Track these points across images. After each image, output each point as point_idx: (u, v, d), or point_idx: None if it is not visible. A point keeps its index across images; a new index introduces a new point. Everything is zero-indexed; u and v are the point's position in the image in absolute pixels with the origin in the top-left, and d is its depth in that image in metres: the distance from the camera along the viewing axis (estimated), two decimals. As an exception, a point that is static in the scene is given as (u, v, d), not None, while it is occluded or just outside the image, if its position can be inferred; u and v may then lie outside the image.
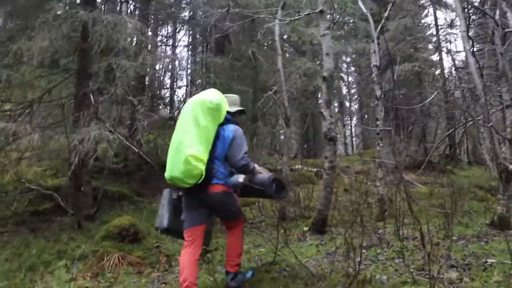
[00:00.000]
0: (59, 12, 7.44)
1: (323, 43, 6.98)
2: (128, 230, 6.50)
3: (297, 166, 12.83)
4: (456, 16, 20.90)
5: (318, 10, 6.98)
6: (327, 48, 6.92)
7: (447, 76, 19.91)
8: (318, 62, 12.99)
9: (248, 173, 3.63)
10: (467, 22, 6.51)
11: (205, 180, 3.34)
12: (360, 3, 9.60)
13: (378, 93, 9.11)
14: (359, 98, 29.61)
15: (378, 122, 9.08)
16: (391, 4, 8.96)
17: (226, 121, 3.61)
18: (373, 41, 9.20)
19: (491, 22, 6.83)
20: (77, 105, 8.16)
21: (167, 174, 3.41)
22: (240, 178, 3.50)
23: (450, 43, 20.69)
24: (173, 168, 3.33)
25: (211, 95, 3.51)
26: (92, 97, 7.67)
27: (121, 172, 10.55)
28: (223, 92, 3.84)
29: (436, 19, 21.66)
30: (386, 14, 9.33)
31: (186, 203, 3.63)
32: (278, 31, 8.72)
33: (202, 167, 3.29)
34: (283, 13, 8.81)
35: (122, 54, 7.45)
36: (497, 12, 6.61)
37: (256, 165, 3.86)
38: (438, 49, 21.24)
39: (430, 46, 21.13)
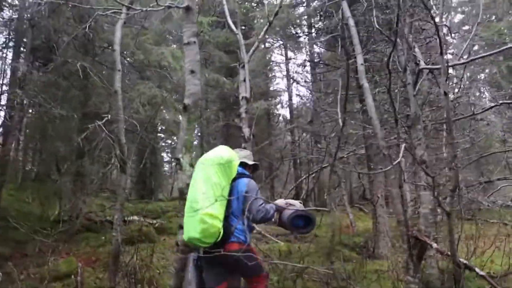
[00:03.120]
0: None
1: (186, 56, 4.72)
2: None
3: (132, 217, 10.05)
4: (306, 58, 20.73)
5: (183, 6, 4.73)
6: (192, 63, 4.67)
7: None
8: (166, 90, 10.59)
9: (268, 220, 3.46)
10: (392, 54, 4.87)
11: (222, 238, 3.27)
12: (230, 22, 7.62)
13: (246, 133, 7.13)
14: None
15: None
16: (267, 25, 7.16)
17: (239, 175, 3.55)
18: (243, 66, 7.26)
19: (401, 55, 5.35)
20: None
21: (184, 236, 3.42)
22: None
23: (297, 83, 20.16)
24: (190, 228, 3.32)
25: (222, 152, 3.55)
26: None
27: None
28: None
29: (287, 57, 21.20)
30: (261, 36, 7.49)
31: (205, 264, 3.50)
32: (119, 35, 6.23)
33: (218, 224, 3.23)
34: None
35: None
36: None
37: (279, 201, 3.74)
38: (288, 89, 20.80)
39: (281, 85, 20.61)
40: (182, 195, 4.60)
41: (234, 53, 16.22)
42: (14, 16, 11.54)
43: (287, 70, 20.92)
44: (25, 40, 10.73)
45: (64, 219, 9.10)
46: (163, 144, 25.86)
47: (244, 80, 7.28)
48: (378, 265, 9.27)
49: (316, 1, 10.37)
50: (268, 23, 7.32)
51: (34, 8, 8.60)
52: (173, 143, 26.54)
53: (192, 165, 4.68)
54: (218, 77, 14.39)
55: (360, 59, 6.15)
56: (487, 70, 19.34)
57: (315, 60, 13.85)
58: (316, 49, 20.00)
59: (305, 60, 18.09)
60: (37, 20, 9.45)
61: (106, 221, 9.81)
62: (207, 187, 3.30)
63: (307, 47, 19.18)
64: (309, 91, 19.16)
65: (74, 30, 9.30)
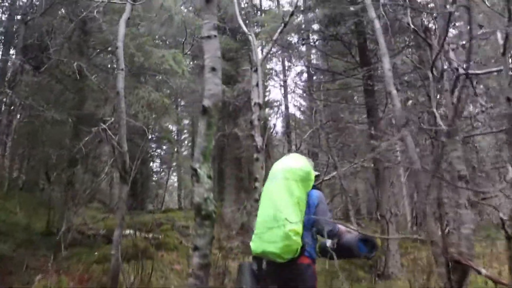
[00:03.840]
0: None
1: (206, 51, 4.14)
2: None
3: (126, 231, 9.34)
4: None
5: (203, -4, 4.17)
6: (212, 59, 4.10)
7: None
8: (166, 95, 9.97)
9: (334, 237, 3.40)
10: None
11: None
12: (241, 22, 7.09)
13: (259, 142, 6.56)
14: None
15: (257, 184, 6.47)
16: (283, 26, 6.64)
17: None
18: (256, 70, 6.73)
19: (438, 59, 4.83)
20: None
21: (257, 248, 3.28)
22: (328, 242, 3.47)
23: (295, 92, 19.85)
24: (267, 242, 3.18)
25: (302, 163, 3.40)
26: None
27: None
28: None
29: (284, 67, 20.87)
30: (276, 36, 6.94)
31: (267, 276, 3.30)
32: (123, 31, 5.65)
33: (300, 241, 3.12)
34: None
35: None
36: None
37: (340, 226, 3.51)
38: (285, 98, 20.35)
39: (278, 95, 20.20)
40: (199, 210, 4.01)
41: (233, 60, 15.72)
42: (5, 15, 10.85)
43: (285, 80, 20.52)
44: (16, 40, 10.12)
45: (53, 231, 8.38)
46: (153, 153, 25.01)
47: (257, 85, 6.75)
48: (389, 285, 8.74)
49: (324, 7, 9.84)
50: (283, 24, 6.80)
51: (27, 3, 7.98)
52: (163, 152, 25.82)
53: (210, 177, 4.09)
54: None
55: (387, 64, 5.63)
56: (481, 86, 18.96)
57: (320, 68, 13.30)
58: (313, 58, 19.69)
59: (309, 68, 17.53)
60: (30, 17, 8.83)
61: (100, 234, 9.10)
62: (291, 200, 3.19)
63: (305, 56, 18.81)
64: (308, 101, 18.76)
65: (69, 30, 8.73)
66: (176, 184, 29.28)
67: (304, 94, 18.72)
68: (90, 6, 7.83)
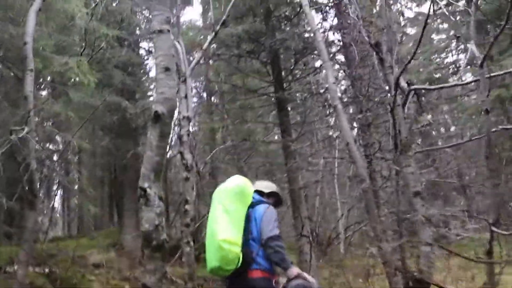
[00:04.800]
0: None
1: (158, 48, 3.54)
2: None
3: (15, 267, 7.92)
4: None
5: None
6: (165, 57, 3.50)
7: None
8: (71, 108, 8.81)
9: (280, 256, 3.11)
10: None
11: (243, 265, 3.11)
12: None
13: (189, 159, 5.92)
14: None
15: (187, 207, 5.79)
16: (213, 35, 6.12)
17: (258, 202, 3.45)
18: (184, 80, 6.13)
19: (389, 73, 4.71)
20: None
21: (207, 268, 3.29)
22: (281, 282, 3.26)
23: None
24: (211, 258, 3.21)
25: (236, 181, 3.47)
26: None
27: None
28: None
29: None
30: (205, 47, 6.38)
31: None
32: (33, 25, 4.74)
33: (237, 250, 3.11)
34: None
35: None
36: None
37: (296, 269, 3.18)
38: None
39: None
40: (150, 240, 3.30)
41: (135, 75, 14.80)
42: None
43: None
44: None
45: None
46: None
47: (186, 97, 6.14)
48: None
49: (244, 23, 9.57)
50: (214, 33, 6.30)
51: None
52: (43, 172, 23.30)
53: (161, 198, 3.40)
54: (119, 100, 12.79)
55: (331, 77, 5.42)
56: (446, 107, 19.91)
57: (234, 85, 12.96)
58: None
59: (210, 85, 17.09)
60: None
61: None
62: (225, 215, 3.22)
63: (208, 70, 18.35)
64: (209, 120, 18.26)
65: None
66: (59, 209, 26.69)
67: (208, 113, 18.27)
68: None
